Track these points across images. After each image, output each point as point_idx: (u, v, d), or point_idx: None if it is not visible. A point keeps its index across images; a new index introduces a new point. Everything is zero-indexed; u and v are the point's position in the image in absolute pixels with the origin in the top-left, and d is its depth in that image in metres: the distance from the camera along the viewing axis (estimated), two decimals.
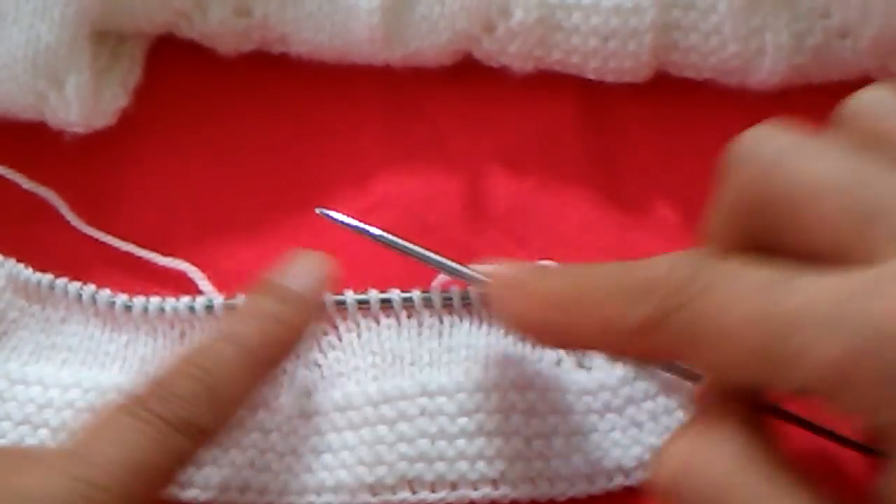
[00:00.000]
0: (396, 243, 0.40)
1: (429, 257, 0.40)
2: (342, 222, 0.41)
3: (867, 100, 0.34)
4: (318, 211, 0.41)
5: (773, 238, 0.33)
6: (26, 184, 0.44)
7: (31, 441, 0.39)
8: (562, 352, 0.40)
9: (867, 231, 0.30)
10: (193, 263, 0.43)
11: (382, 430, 0.39)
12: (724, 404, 0.33)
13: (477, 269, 0.40)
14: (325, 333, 0.41)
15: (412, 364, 0.40)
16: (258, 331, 0.37)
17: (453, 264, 0.40)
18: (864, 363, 0.28)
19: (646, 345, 0.32)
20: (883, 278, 0.29)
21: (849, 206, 0.30)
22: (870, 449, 0.35)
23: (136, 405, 0.34)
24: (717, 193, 0.35)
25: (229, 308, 0.40)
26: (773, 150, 0.33)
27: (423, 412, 0.39)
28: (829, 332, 0.28)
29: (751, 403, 0.33)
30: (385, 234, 0.40)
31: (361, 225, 0.41)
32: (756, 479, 0.30)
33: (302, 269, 0.39)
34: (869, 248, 0.30)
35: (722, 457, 0.31)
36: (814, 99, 0.43)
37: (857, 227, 0.30)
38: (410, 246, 0.40)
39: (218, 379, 0.36)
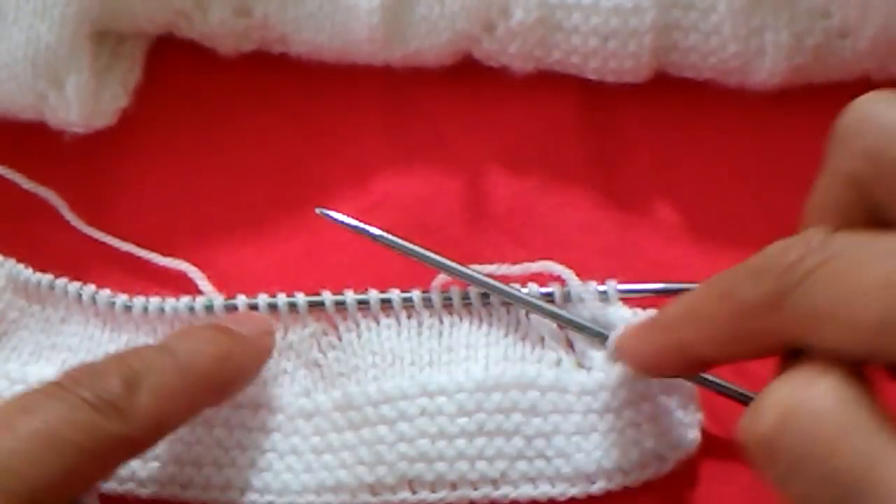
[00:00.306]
0: (395, 243, 0.41)
1: (428, 257, 0.40)
2: (342, 222, 0.41)
3: None
4: (318, 211, 0.41)
5: (889, 212, 0.32)
6: (26, 184, 0.44)
7: None
8: (562, 352, 0.40)
9: None
10: (193, 263, 0.43)
11: (383, 429, 0.39)
12: (823, 360, 0.31)
13: (476, 270, 0.40)
14: (325, 333, 0.41)
15: (412, 364, 0.40)
16: (190, 346, 0.37)
17: (452, 264, 0.40)
18: None
19: (769, 324, 0.31)
20: None
21: None
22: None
23: (54, 386, 0.34)
24: (826, 166, 0.34)
25: (230, 308, 0.40)
26: (890, 119, 0.32)
27: (423, 412, 0.39)
28: None
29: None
30: (384, 234, 0.41)
31: (361, 225, 0.41)
32: (866, 430, 0.29)
33: (244, 317, 0.40)
34: None
35: (829, 406, 0.29)
36: (814, 99, 0.44)
37: None
38: (409, 245, 0.40)
39: (139, 371, 0.35)
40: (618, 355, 0.38)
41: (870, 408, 0.29)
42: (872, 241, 0.30)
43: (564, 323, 0.40)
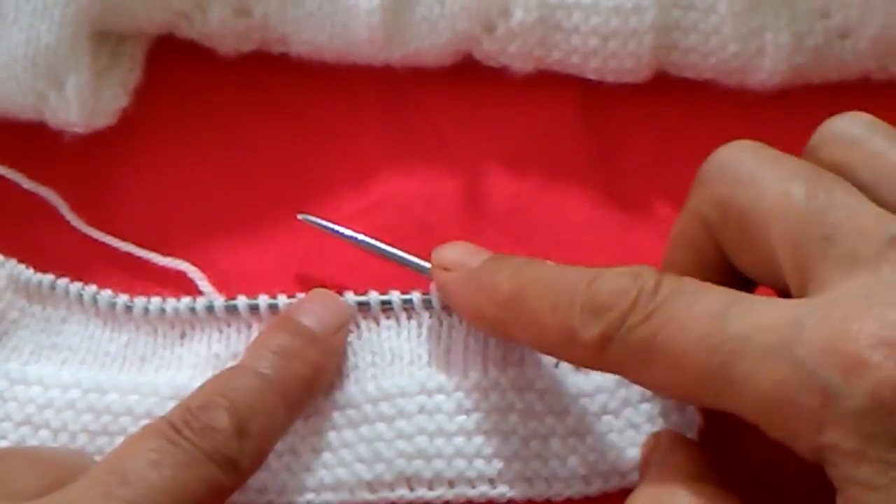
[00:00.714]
0: (373, 246, 0.41)
1: (409, 261, 0.41)
2: (325, 227, 0.42)
3: (836, 129, 0.35)
4: (300, 217, 0.42)
5: (735, 254, 0.35)
6: (27, 183, 0.44)
7: (31, 441, 0.39)
8: None
9: (823, 254, 0.31)
10: (193, 263, 0.43)
11: (381, 427, 0.39)
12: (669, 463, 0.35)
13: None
14: None
15: (411, 363, 0.40)
16: (282, 367, 0.38)
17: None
18: (799, 388, 0.29)
19: (598, 360, 0.33)
20: (824, 308, 0.30)
21: (810, 230, 0.32)
22: None
23: (173, 432, 0.34)
24: (686, 204, 0.36)
25: (230, 309, 0.40)
26: (748, 167, 0.34)
27: (421, 410, 0.39)
28: (768, 361, 0.30)
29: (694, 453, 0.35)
30: (363, 238, 0.41)
31: (340, 228, 0.41)
32: None
33: (322, 309, 0.40)
34: (823, 271, 0.31)
35: None
36: (814, 99, 0.44)
37: (815, 250, 0.31)
38: (388, 249, 0.41)
39: (248, 413, 0.35)
40: (438, 290, 0.40)
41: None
42: (695, 298, 0.32)
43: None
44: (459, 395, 0.39)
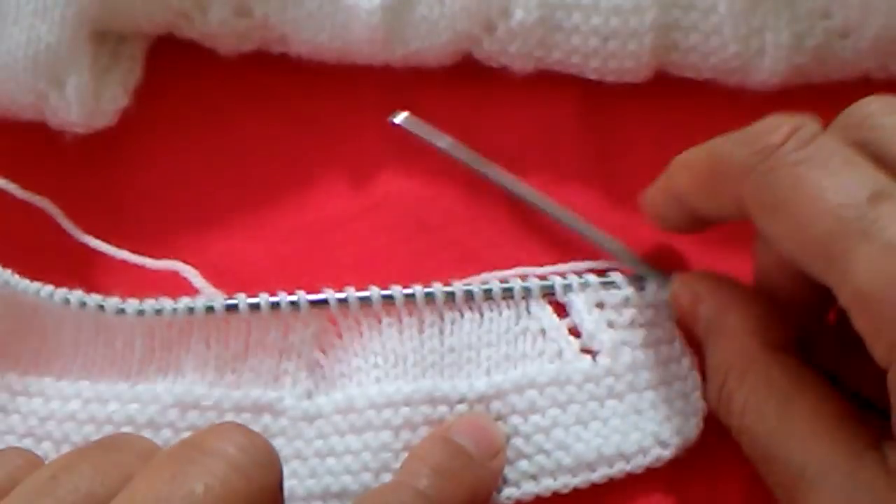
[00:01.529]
0: (470, 159, 0.43)
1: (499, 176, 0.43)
2: (414, 132, 0.43)
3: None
4: (394, 120, 0.43)
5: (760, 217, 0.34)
6: (21, 194, 0.43)
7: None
8: (563, 342, 0.41)
9: None
10: (193, 263, 0.42)
11: (386, 435, 0.39)
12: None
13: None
14: (326, 332, 0.41)
15: (415, 365, 0.40)
16: (442, 489, 0.36)
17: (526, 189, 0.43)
18: None
19: (736, 190, 0.33)
20: None
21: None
22: None
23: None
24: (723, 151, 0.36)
25: (230, 308, 0.40)
26: (887, 112, 0.34)
27: (426, 421, 0.39)
28: (886, 257, 0.29)
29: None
30: (458, 146, 0.43)
31: (434, 138, 0.43)
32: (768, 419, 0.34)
33: (478, 433, 0.39)
34: None
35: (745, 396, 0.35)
36: (814, 99, 0.44)
37: None
38: (481, 165, 0.43)
39: None
40: (644, 206, 0.40)
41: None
42: (845, 168, 0.32)
43: (613, 251, 0.42)
44: (461, 407, 0.40)
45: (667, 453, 0.40)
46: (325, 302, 0.40)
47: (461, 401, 0.40)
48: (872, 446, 0.32)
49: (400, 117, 0.44)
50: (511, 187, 0.43)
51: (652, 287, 0.41)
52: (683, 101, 0.45)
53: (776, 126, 0.33)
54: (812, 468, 0.32)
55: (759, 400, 0.34)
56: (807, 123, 0.33)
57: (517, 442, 0.39)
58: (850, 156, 0.32)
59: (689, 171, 0.37)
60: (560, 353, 0.41)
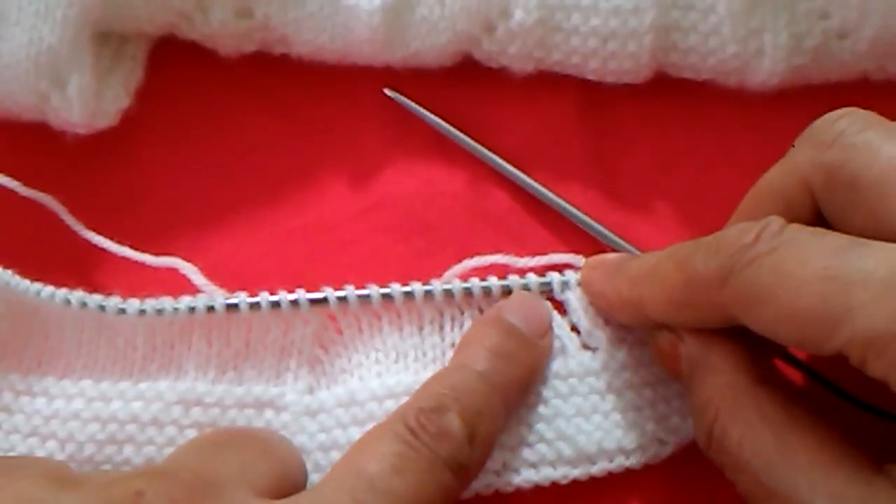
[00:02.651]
0: (458, 136, 0.43)
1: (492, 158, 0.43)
2: (409, 106, 0.43)
3: None
4: (387, 91, 0.44)
5: (840, 216, 0.35)
6: (24, 191, 0.43)
7: (40, 453, 0.39)
8: (566, 337, 0.41)
9: None
10: (194, 262, 0.43)
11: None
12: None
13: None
14: (327, 329, 0.41)
15: (416, 360, 0.41)
16: (501, 369, 0.38)
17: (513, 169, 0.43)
18: None
19: (718, 297, 0.34)
20: None
21: None
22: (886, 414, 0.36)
23: (411, 436, 0.35)
24: (787, 159, 0.36)
25: (231, 308, 0.40)
26: (859, 131, 0.34)
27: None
28: (889, 296, 0.30)
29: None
30: (447, 126, 0.44)
31: (426, 113, 0.44)
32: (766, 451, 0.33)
33: (528, 312, 0.40)
34: None
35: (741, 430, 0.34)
36: (813, 99, 0.44)
37: None
38: (463, 137, 0.43)
39: (476, 417, 0.36)
40: (583, 287, 0.41)
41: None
42: (818, 238, 0.32)
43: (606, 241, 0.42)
44: None
45: (665, 450, 0.40)
46: (324, 300, 0.40)
47: None
48: (879, 471, 0.32)
49: (392, 92, 0.44)
50: (500, 167, 0.44)
51: None
52: (683, 101, 0.46)
53: (746, 229, 0.33)
54: (821, 501, 0.32)
55: (755, 434, 0.34)
56: (773, 219, 0.33)
57: (520, 430, 0.39)
58: (820, 231, 0.33)
59: (658, 286, 0.36)
60: (563, 349, 0.41)
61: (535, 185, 0.43)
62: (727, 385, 0.35)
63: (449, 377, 0.37)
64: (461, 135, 0.44)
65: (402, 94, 0.45)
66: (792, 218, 0.35)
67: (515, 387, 0.38)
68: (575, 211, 0.43)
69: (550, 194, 0.43)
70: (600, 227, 0.43)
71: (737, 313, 0.34)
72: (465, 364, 0.38)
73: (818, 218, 0.36)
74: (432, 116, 0.44)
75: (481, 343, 0.38)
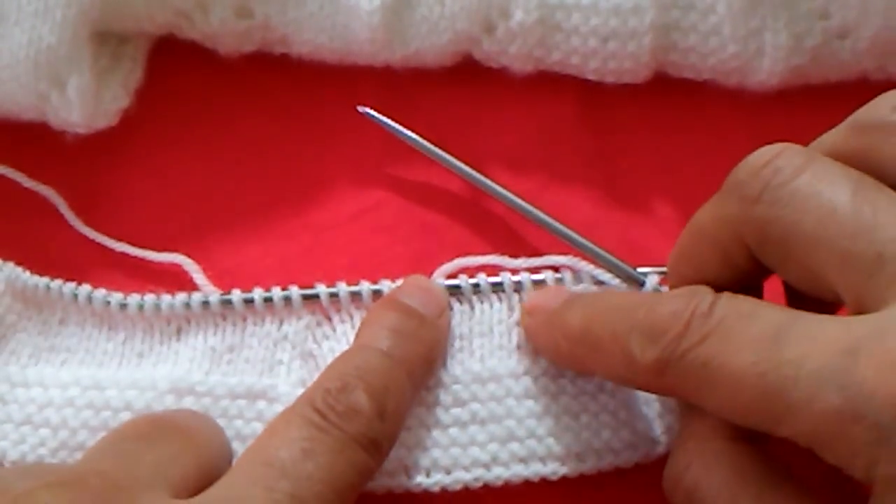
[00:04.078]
0: (433, 151, 0.43)
1: (464, 170, 0.43)
2: (383, 123, 0.43)
3: (873, 116, 0.34)
4: (360, 109, 0.43)
5: (777, 268, 0.34)
6: (27, 182, 0.44)
7: (32, 440, 0.39)
8: None
9: (876, 273, 0.30)
10: (194, 262, 0.43)
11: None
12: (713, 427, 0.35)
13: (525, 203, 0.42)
14: (320, 325, 0.41)
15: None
16: (403, 346, 0.38)
17: (489, 182, 0.43)
18: (853, 421, 0.29)
19: (659, 384, 0.33)
20: (879, 335, 0.29)
21: (859, 251, 0.31)
22: None
23: (319, 417, 0.34)
24: (712, 207, 0.35)
25: (225, 303, 0.40)
26: (785, 182, 0.33)
27: (420, 403, 0.40)
28: (823, 389, 0.29)
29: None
30: (421, 141, 0.43)
31: (401, 128, 0.43)
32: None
33: (423, 293, 0.40)
34: (878, 291, 0.30)
35: (717, 487, 0.34)
36: (813, 99, 0.44)
37: (867, 271, 0.31)
38: (440, 152, 0.43)
39: (383, 393, 0.36)
40: (525, 335, 0.40)
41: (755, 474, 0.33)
42: (747, 324, 0.31)
43: (596, 258, 0.41)
44: (457, 387, 0.40)
45: (656, 450, 0.40)
46: (316, 297, 0.41)
47: (456, 382, 0.40)
48: None
49: (365, 109, 0.44)
50: (475, 181, 0.43)
51: (653, 281, 0.41)
52: (683, 101, 0.46)
53: (677, 314, 0.32)
54: None
55: (731, 490, 0.33)
56: (703, 297, 0.33)
57: (510, 424, 0.39)
58: (749, 309, 0.32)
59: (598, 358, 0.36)
60: None
61: (515, 198, 0.43)
62: (704, 441, 0.35)
63: (352, 357, 0.37)
64: (440, 151, 0.43)
65: (401, 94, 0.45)
66: (730, 265, 0.35)
67: (418, 363, 0.38)
68: (557, 224, 0.42)
69: (532, 209, 0.43)
70: (588, 243, 0.42)
71: (682, 398, 0.34)
72: (368, 344, 0.38)
73: (757, 263, 0.35)
74: (408, 132, 0.43)
75: (381, 323, 0.39)
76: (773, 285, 0.37)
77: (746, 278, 0.36)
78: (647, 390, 0.37)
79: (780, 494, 0.33)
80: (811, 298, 0.34)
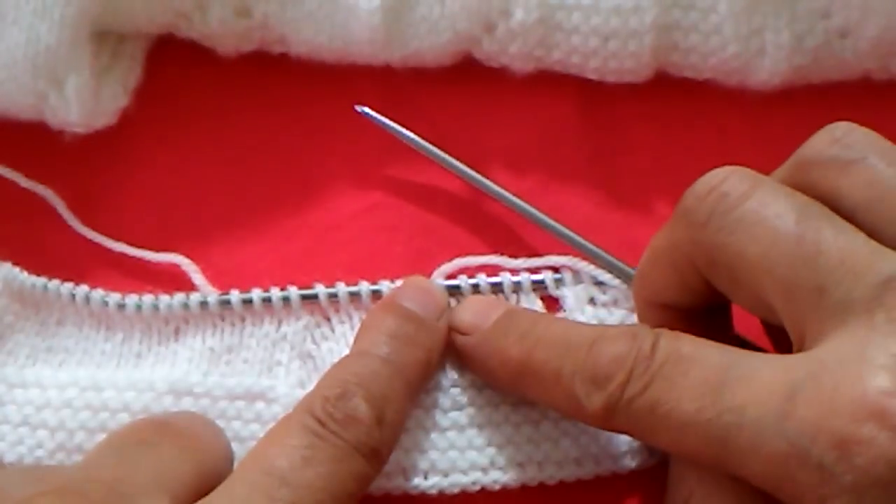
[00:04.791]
0: (432, 152, 0.42)
1: (464, 171, 0.43)
2: (381, 122, 0.43)
3: (828, 150, 0.33)
4: (357, 109, 0.43)
5: (727, 291, 0.34)
6: (24, 182, 0.44)
7: (29, 442, 0.39)
8: None
9: (817, 305, 0.30)
10: (193, 261, 0.43)
11: None
12: None
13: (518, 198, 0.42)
14: (319, 325, 0.41)
15: None
16: (402, 352, 0.38)
17: (486, 181, 0.42)
18: (799, 466, 0.29)
19: (608, 427, 0.34)
20: (816, 375, 0.29)
21: (801, 281, 0.31)
22: None
23: (318, 425, 0.34)
24: (669, 230, 0.35)
25: (223, 303, 0.40)
26: (729, 209, 0.33)
27: (418, 406, 0.40)
28: (766, 436, 0.29)
29: None
30: (420, 140, 0.43)
31: (399, 127, 0.43)
32: None
33: (422, 296, 0.40)
34: (818, 323, 0.31)
35: None
36: (814, 99, 0.44)
37: (809, 301, 0.31)
38: (445, 156, 0.43)
39: (382, 400, 0.36)
40: (460, 354, 0.40)
41: None
42: (688, 368, 0.31)
43: (595, 258, 0.41)
44: (455, 391, 0.40)
45: (654, 458, 0.39)
46: (315, 297, 0.41)
47: (454, 385, 0.40)
48: None
49: (362, 108, 0.44)
50: (474, 181, 0.43)
51: None
52: (683, 101, 0.45)
53: (618, 359, 0.33)
54: None
55: None
56: (644, 338, 0.33)
57: (507, 429, 0.39)
58: (690, 352, 0.32)
59: (545, 396, 0.36)
60: None
61: (514, 198, 0.43)
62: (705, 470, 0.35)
63: (351, 364, 0.37)
64: (438, 150, 0.43)
65: (400, 94, 0.45)
66: (688, 289, 0.35)
67: (417, 369, 0.38)
68: (556, 224, 0.42)
69: (531, 209, 0.42)
70: (587, 243, 0.42)
71: (633, 437, 0.34)
72: (367, 350, 0.38)
73: (713, 287, 0.35)
74: (406, 132, 0.43)
75: (379, 329, 0.38)
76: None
77: (707, 300, 0.36)
78: (597, 428, 0.36)
79: None
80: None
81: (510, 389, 0.39)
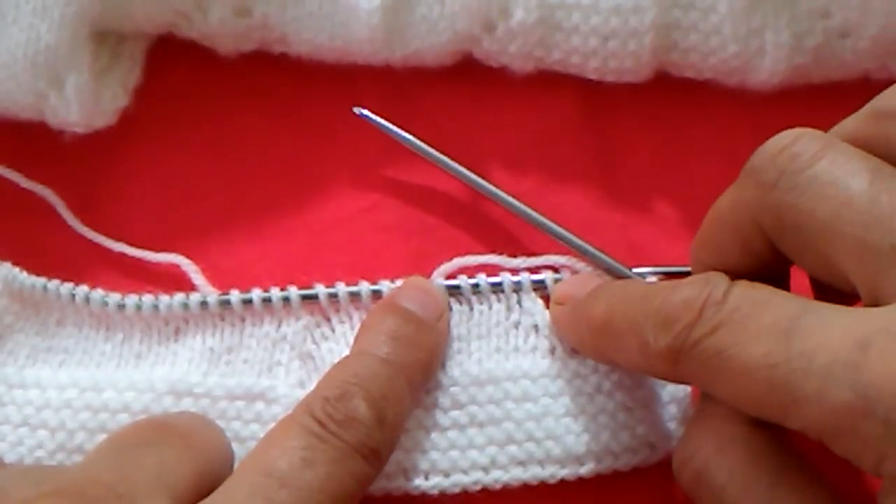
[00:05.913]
0: (430, 153, 0.42)
1: (463, 173, 0.42)
2: (378, 123, 0.43)
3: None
4: (355, 110, 0.43)
5: (794, 256, 0.34)
6: (24, 182, 0.44)
7: (29, 442, 0.39)
8: (555, 339, 0.41)
9: (891, 265, 0.30)
10: (193, 261, 0.43)
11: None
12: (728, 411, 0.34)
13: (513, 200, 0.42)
14: (319, 325, 0.41)
15: None
16: (403, 353, 0.38)
17: (486, 184, 0.42)
18: (863, 417, 0.28)
19: (673, 373, 0.33)
20: (889, 327, 0.29)
21: (875, 241, 0.30)
22: None
23: (318, 426, 0.34)
24: (733, 193, 0.35)
25: (223, 304, 0.40)
26: (801, 169, 0.32)
27: (418, 405, 0.40)
28: (833, 384, 0.29)
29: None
30: (418, 142, 0.43)
31: (397, 129, 0.43)
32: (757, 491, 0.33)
33: (423, 297, 0.40)
34: (887, 285, 0.30)
35: (734, 469, 0.33)
36: (814, 99, 0.44)
37: (883, 261, 0.30)
38: (443, 158, 0.42)
39: (382, 401, 0.36)
40: (552, 323, 0.40)
41: (768, 461, 0.33)
42: (760, 312, 0.31)
43: (593, 259, 0.41)
44: (455, 390, 0.40)
45: (655, 457, 0.40)
46: (315, 297, 0.41)
47: (454, 385, 0.40)
48: None
49: (360, 110, 0.44)
50: (472, 182, 0.43)
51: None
52: (683, 101, 0.45)
53: (689, 302, 0.32)
54: None
55: (745, 474, 0.33)
56: (716, 284, 0.32)
57: (508, 427, 0.39)
58: (764, 298, 0.32)
59: (618, 347, 0.36)
60: (553, 350, 0.41)
61: (511, 199, 0.43)
62: (719, 426, 0.35)
63: (351, 364, 0.37)
64: (435, 152, 0.43)
65: (400, 94, 0.45)
66: (750, 253, 0.35)
67: (418, 369, 0.38)
68: (553, 225, 0.42)
69: (528, 209, 0.42)
70: (585, 244, 0.42)
71: (698, 385, 0.34)
72: (367, 350, 0.38)
73: (777, 251, 0.34)
74: (403, 133, 0.43)
75: (380, 329, 0.38)
76: (801, 276, 0.37)
77: (768, 266, 0.35)
78: (663, 378, 0.37)
79: (794, 483, 0.33)
80: (832, 289, 0.34)
81: (596, 352, 0.38)
